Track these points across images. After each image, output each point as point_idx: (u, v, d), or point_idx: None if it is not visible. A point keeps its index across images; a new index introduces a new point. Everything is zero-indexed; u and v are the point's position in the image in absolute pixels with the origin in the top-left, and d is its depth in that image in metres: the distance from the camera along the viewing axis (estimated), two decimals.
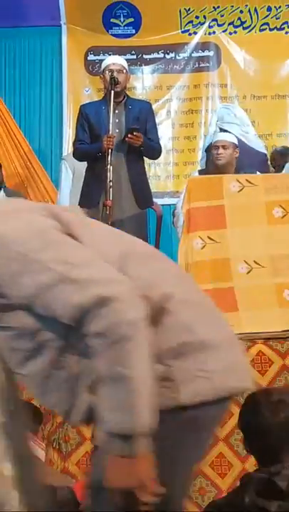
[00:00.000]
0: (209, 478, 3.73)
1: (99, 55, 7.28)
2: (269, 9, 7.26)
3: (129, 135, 4.80)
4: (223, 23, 7.33)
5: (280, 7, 7.24)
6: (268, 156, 6.33)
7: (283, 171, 6.28)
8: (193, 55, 7.36)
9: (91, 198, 4.88)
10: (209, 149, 5.38)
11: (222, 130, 5.86)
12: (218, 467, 3.76)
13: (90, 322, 1.54)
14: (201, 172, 5.83)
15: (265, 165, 5.77)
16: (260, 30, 7.32)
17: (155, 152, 5.19)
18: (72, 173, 5.90)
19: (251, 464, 3.68)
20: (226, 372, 1.68)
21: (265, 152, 6.11)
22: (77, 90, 7.36)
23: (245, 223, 4.21)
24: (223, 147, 5.26)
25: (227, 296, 4.07)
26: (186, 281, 1.85)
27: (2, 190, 6.02)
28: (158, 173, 7.22)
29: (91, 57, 7.38)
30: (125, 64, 5.03)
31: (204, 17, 7.33)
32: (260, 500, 2.09)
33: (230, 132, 5.72)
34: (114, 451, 1.54)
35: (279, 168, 6.52)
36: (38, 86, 7.37)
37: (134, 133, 4.80)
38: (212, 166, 5.26)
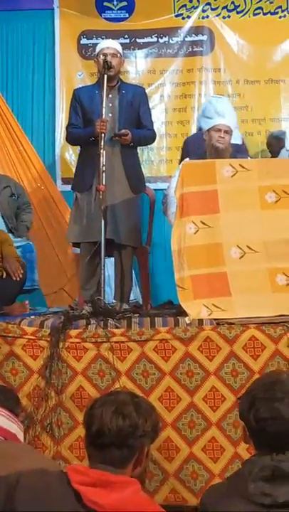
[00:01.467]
0: (202, 462, 3.75)
1: (92, 39, 7.24)
2: None
3: (115, 138, 4.80)
4: (217, 7, 7.29)
5: None
6: (245, 146, 6.24)
7: (279, 157, 6.27)
8: (186, 39, 7.32)
9: (84, 182, 4.87)
10: (208, 132, 5.12)
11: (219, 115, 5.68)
12: (210, 451, 3.78)
13: None
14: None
15: (243, 154, 5.57)
16: (254, 15, 7.28)
17: (148, 140, 5.16)
18: None
19: (243, 448, 3.71)
20: None
21: (239, 143, 5.91)
22: (70, 74, 7.32)
23: (238, 208, 4.19)
24: (226, 132, 4.95)
25: (220, 281, 4.06)
26: None
27: None
28: (151, 157, 7.21)
29: (84, 41, 7.33)
30: (120, 48, 4.97)
31: (198, 1, 7.29)
32: (267, 486, 2.10)
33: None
34: None
35: (275, 154, 6.49)
36: (31, 70, 7.32)
37: (122, 136, 4.80)
38: (210, 148, 5.05)
